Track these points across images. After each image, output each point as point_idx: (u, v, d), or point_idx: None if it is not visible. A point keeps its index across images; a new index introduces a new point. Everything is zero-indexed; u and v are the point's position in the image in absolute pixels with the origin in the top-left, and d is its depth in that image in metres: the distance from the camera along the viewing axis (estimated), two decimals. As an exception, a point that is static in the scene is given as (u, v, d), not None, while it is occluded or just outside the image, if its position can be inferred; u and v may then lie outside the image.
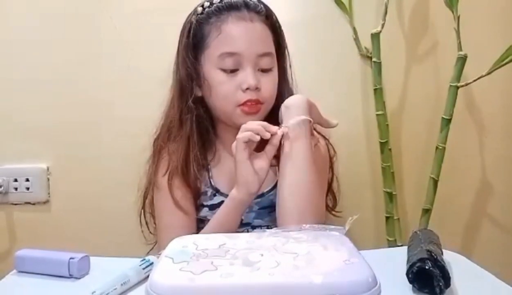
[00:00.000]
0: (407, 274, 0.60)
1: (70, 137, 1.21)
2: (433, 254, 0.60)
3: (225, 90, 0.90)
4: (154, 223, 1.01)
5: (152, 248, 1.04)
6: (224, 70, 0.90)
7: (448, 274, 0.59)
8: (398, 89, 1.22)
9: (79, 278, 0.68)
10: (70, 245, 0.82)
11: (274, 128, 0.83)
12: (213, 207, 0.93)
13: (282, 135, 0.83)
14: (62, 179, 1.23)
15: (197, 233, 0.91)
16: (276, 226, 0.81)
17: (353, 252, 0.59)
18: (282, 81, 0.97)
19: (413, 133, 1.23)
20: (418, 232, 0.71)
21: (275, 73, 0.94)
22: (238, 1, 0.91)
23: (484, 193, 1.26)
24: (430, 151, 1.12)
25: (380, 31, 1.13)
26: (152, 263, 0.67)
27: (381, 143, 1.15)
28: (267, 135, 0.82)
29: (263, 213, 0.94)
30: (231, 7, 0.91)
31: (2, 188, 1.21)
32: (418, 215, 1.13)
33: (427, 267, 0.59)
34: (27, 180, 1.22)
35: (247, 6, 0.91)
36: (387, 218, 1.16)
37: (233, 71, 0.90)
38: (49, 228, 1.23)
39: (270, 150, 0.84)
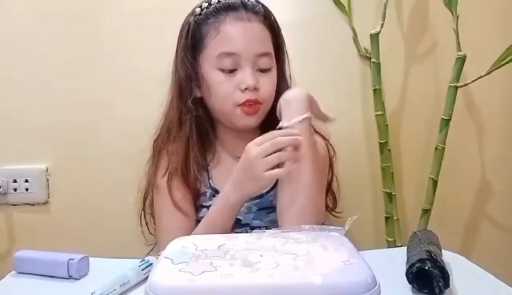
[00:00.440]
0: (407, 275, 0.60)
1: (70, 137, 1.21)
2: (432, 255, 0.60)
3: (224, 90, 0.90)
4: (154, 224, 1.01)
5: (152, 249, 1.03)
6: (223, 71, 0.90)
7: (448, 274, 0.59)
8: (398, 90, 1.22)
9: (79, 279, 0.68)
10: (70, 245, 0.81)
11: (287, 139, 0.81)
12: (213, 208, 0.93)
13: None
14: (62, 179, 1.22)
15: (196, 233, 0.91)
16: (275, 227, 0.81)
17: (353, 252, 0.59)
18: (281, 81, 0.97)
19: (412, 133, 1.23)
20: (417, 232, 0.71)
21: (273, 73, 0.94)
22: (236, 1, 0.91)
23: (483, 193, 1.26)
24: (429, 151, 1.12)
25: (379, 32, 1.13)
26: (151, 264, 0.67)
27: (380, 143, 1.15)
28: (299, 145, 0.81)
29: (262, 213, 0.94)
30: (229, 8, 0.91)
31: (1, 188, 1.21)
32: (417, 215, 1.13)
33: (426, 268, 0.59)
34: (27, 180, 1.21)
35: (245, 6, 0.91)
36: (386, 218, 1.16)
37: (232, 71, 0.90)
38: (49, 229, 1.22)
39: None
